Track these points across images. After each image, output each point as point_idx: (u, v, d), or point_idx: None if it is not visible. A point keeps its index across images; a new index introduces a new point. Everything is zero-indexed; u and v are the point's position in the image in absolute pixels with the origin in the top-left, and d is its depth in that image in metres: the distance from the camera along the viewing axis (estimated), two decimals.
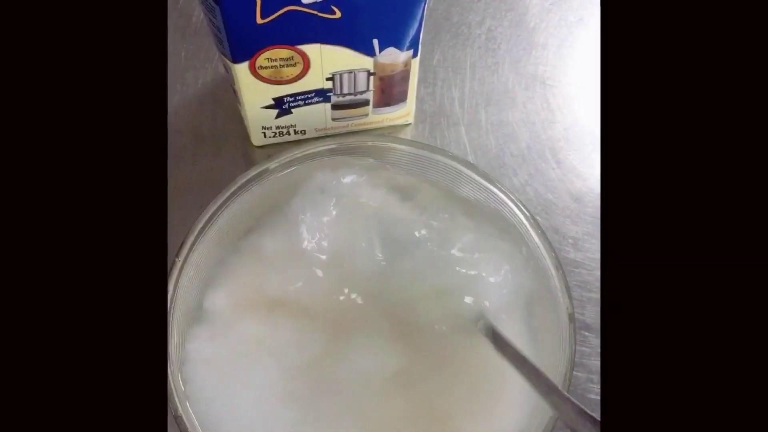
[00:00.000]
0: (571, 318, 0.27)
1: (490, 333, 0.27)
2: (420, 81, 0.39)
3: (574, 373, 0.33)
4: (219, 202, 0.29)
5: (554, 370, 0.27)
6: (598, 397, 0.32)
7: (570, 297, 0.28)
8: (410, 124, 0.38)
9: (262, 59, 0.30)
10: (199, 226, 0.28)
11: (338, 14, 0.29)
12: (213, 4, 0.27)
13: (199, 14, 0.41)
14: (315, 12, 0.28)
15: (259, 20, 0.28)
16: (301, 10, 0.28)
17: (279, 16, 0.28)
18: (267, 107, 0.34)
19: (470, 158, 0.38)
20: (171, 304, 0.27)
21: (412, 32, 0.31)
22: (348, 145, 0.31)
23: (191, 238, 0.28)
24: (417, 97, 0.39)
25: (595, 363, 0.33)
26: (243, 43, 0.29)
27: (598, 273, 0.35)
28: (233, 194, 0.30)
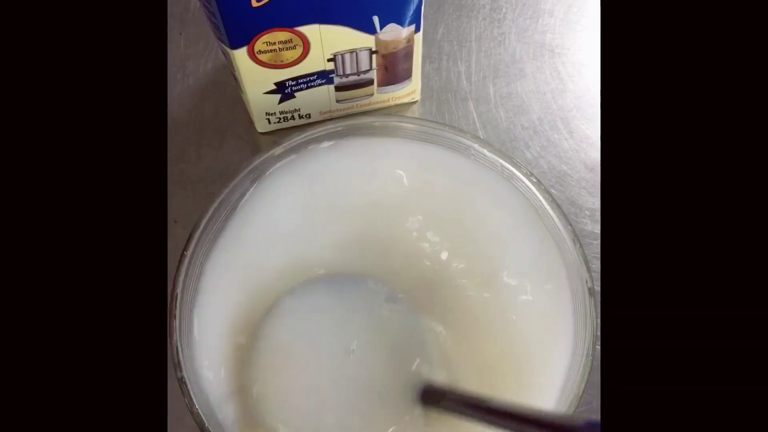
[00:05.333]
0: (591, 292, 0.27)
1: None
2: (425, 57, 0.38)
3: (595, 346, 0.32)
4: (223, 193, 0.28)
5: (578, 345, 0.26)
6: None
7: (589, 270, 0.27)
8: (417, 101, 0.37)
9: (260, 43, 0.29)
10: (206, 217, 0.28)
11: None
12: None
13: (196, 1, 0.40)
14: None
15: (254, 3, 0.27)
16: None
17: None
18: (269, 92, 0.33)
19: (480, 133, 0.37)
20: (178, 295, 0.27)
21: (412, 6, 0.30)
22: (354, 126, 0.31)
23: (198, 232, 0.28)
24: (423, 74, 0.38)
25: None
26: (239, 27, 0.28)
27: None
28: (238, 183, 0.29)
